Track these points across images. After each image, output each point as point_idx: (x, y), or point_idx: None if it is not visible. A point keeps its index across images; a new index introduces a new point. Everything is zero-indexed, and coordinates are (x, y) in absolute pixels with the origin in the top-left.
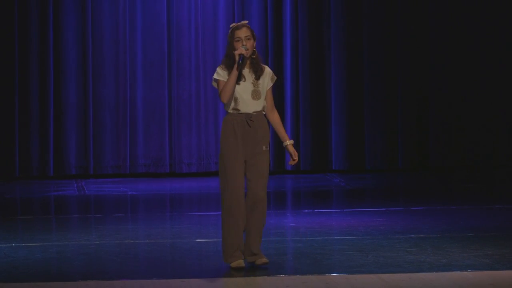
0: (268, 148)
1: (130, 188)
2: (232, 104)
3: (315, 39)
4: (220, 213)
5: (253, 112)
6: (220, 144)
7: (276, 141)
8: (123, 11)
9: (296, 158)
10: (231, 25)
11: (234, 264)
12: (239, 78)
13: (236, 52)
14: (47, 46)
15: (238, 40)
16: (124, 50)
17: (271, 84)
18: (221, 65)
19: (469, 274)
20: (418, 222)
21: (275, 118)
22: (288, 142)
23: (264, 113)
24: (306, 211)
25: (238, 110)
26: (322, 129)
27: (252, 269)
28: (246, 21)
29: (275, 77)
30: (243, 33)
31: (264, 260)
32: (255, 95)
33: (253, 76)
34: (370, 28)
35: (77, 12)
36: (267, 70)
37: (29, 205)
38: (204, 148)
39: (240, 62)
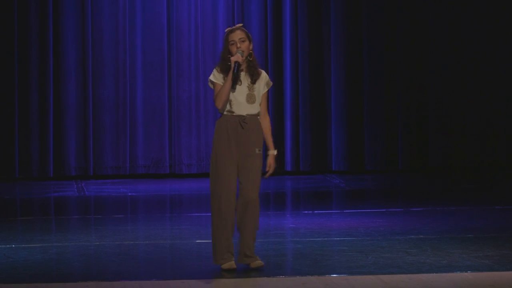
0: (261, 151)
1: (130, 189)
2: (227, 106)
3: (315, 39)
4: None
5: (247, 115)
6: (212, 146)
7: (275, 142)
8: (123, 12)
9: (270, 171)
10: (226, 30)
11: (225, 265)
12: (235, 82)
13: (232, 59)
14: (47, 47)
15: (233, 44)
16: (124, 51)
17: (266, 89)
18: (216, 68)
19: (468, 275)
20: (418, 223)
21: (266, 124)
22: (271, 152)
23: (258, 117)
24: (306, 212)
25: (232, 112)
26: (322, 130)
27: (245, 271)
28: (240, 24)
29: (271, 83)
30: (237, 35)
31: (259, 262)
32: (250, 98)
33: (249, 80)
34: (370, 28)
35: (77, 13)
36: (263, 74)
37: (29, 206)
38: (204, 149)
39: (235, 71)
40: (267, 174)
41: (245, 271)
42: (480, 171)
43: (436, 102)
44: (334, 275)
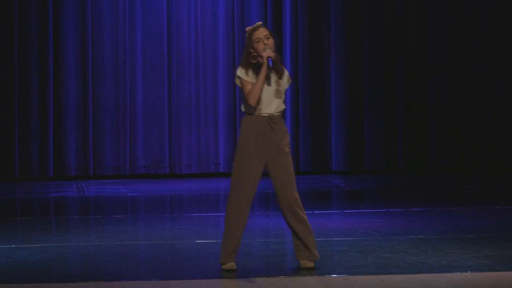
0: (289, 149)
1: (130, 189)
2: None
3: (315, 39)
4: (222, 214)
5: (275, 111)
6: (238, 145)
7: None
8: (123, 12)
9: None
10: (246, 29)
11: (226, 266)
12: (269, 75)
13: (265, 55)
14: (47, 47)
15: (259, 41)
16: (124, 51)
17: (287, 86)
18: (241, 66)
19: (468, 275)
20: (418, 223)
21: None
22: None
23: (282, 114)
24: (306, 212)
25: (260, 110)
26: (322, 130)
27: (245, 271)
28: (260, 22)
29: (291, 80)
30: (262, 33)
31: (306, 262)
32: (278, 94)
33: (276, 75)
34: (370, 28)
35: (77, 13)
36: (286, 71)
37: (29, 206)
38: (204, 149)
39: (271, 65)
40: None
41: (245, 271)
42: (480, 171)
43: (436, 102)
44: (334, 275)
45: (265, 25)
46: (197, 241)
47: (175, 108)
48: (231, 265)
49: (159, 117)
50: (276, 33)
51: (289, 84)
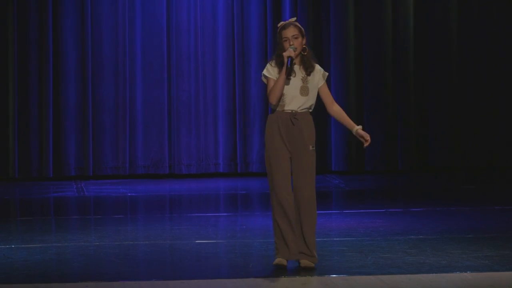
0: (314, 148)
1: (129, 189)
2: (279, 102)
3: (315, 39)
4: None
5: (299, 108)
6: (265, 143)
7: None
8: (123, 13)
9: (368, 139)
10: (278, 24)
11: (275, 262)
12: (289, 74)
13: (285, 54)
14: (46, 48)
15: (286, 40)
16: (124, 51)
17: (323, 81)
18: (270, 62)
19: (468, 275)
20: (418, 223)
21: (337, 110)
22: (357, 128)
23: (310, 111)
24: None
25: (283, 107)
26: (322, 130)
27: (245, 271)
28: (294, 18)
29: (327, 73)
30: (290, 32)
31: (306, 262)
32: (304, 91)
33: (303, 73)
34: (370, 28)
35: (76, 14)
36: (318, 67)
37: (28, 206)
38: (204, 149)
39: (289, 65)
40: (367, 142)
41: (245, 271)
42: (480, 171)
43: (436, 102)
44: (334, 276)
45: (297, 22)
46: (197, 241)
47: (175, 108)
48: (280, 260)
49: (159, 117)
50: (276, 33)
51: (325, 79)
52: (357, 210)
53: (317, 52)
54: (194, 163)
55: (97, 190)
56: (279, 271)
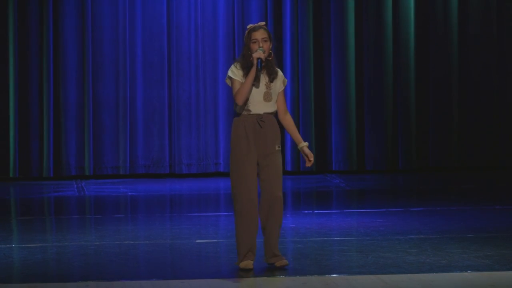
0: (279, 148)
1: (129, 189)
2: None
3: (315, 39)
4: (229, 213)
5: (264, 113)
6: (231, 146)
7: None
8: (123, 12)
9: (311, 159)
10: (248, 26)
11: (241, 264)
12: (258, 76)
13: (254, 56)
14: (47, 47)
15: (255, 42)
16: (124, 50)
17: (282, 88)
18: (235, 64)
19: (468, 275)
20: (418, 223)
21: (288, 121)
22: (303, 144)
23: (273, 115)
24: (306, 212)
25: (249, 111)
26: (322, 130)
27: (244, 271)
28: (263, 23)
29: (286, 80)
30: (260, 34)
31: (285, 261)
32: (267, 97)
33: (267, 79)
34: (370, 28)
35: (77, 13)
36: (280, 73)
37: (28, 206)
38: (204, 149)
39: (259, 67)
40: (310, 163)
41: (244, 271)
42: (480, 171)
43: (436, 102)
44: (334, 275)
45: (266, 27)
46: (197, 241)
47: (175, 107)
48: (247, 263)
49: (159, 116)
50: (276, 33)
51: (285, 86)
52: (357, 210)
53: (317, 52)
54: (194, 163)
55: (98, 190)
56: (280, 271)
